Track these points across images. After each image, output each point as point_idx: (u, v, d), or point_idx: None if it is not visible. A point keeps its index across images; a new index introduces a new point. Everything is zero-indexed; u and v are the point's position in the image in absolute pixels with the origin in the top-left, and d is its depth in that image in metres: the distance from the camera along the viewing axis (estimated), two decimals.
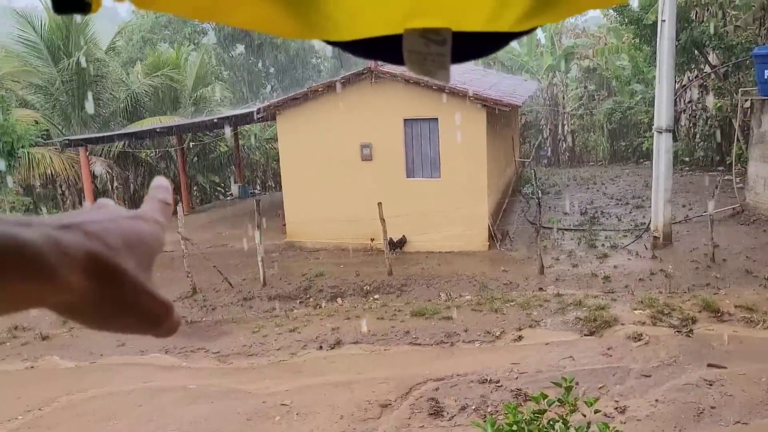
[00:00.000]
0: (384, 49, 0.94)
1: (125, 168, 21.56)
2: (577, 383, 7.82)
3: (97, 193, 19.80)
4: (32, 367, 10.38)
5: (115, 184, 20.61)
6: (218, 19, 0.90)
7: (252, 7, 0.87)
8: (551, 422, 4.52)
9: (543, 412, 4.50)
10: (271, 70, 39.57)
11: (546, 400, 4.50)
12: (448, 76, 0.93)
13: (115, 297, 0.52)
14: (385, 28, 0.91)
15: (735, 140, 15.92)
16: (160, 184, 0.68)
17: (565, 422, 4.52)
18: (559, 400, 4.64)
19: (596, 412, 4.50)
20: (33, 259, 0.47)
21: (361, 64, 15.85)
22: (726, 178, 15.81)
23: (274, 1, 0.85)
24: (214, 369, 9.65)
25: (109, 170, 20.08)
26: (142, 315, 0.54)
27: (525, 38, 28.84)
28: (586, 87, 27.55)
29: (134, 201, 21.73)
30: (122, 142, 20.12)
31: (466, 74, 18.55)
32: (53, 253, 0.48)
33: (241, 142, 23.48)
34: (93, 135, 18.80)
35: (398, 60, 0.92)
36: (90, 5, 0.73)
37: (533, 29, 0.98)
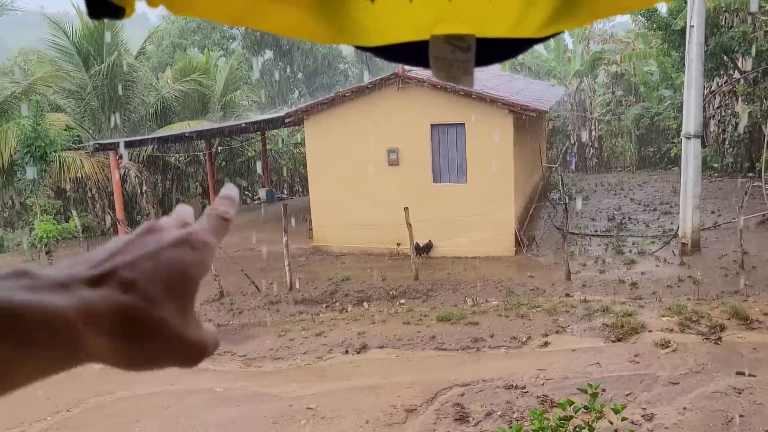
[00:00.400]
0: (411, 54, 1.01)
1: (154, 172, 21.91)
2: (603, 390, 7.78)
3: (126, 197, 20.15)
4: None
5: (144, 187, 20.93)
6: (251, 24, 0.96)
7: (284, 14, 0.94)
8: (577, 429, 4.54)
9: (569, 418, 4.52)
10: (299, 75, 39.94)
11: (572, 406, 4.53)
12: (472, 82, 1.00)
13: (151, 349, 0.50)
14: (413, 34, 0.98)
15: (765, 146, 15.68)
16: (228, 194, 0.63)
17: (591, 429, 4.54)
18: (585, 407, 4.67)
19: (623, 419, 4.51)
20: (60, 332, 0.45)
21: (388, 69, 15.94)
22: (755, 184, 15.59)
23: (305, 8, 0.92)
24: (240, 372, 9.78)
25: (138, 174, 20.41)
26: (178, 359, 0.52)
27: (552, 43, 28.78)
28: (613, 92, 27.33)
29: (163, 205, 22.07)
30: (151, 147, 20.45)
31: (493, 79, 18.54)
32: (84, 320, 0.46)
33: (268, 146, 23.74)
34: (122, 139, 19.13)
35: (425, 64, 0.99)
36: (124, 10, 0.79)
37: (556, 34, 1.04)
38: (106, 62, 20.64)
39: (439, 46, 0.95)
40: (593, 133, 27.67)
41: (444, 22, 0.95)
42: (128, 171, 19.77)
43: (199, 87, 23.78)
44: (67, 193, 20.59)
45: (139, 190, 20.87)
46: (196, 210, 0.60)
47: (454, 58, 0.96)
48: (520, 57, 29.36)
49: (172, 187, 22.78)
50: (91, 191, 20.68)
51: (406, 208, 12.89)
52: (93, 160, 19.46)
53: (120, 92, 21.57)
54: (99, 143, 17.97)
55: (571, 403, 4.54)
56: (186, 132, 19.02)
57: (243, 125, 18.91)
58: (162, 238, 0.53)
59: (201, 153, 21.71)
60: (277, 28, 0.99)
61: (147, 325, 0.48)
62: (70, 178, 19.45)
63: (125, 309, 0.48)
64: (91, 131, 21.98)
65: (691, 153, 12.80)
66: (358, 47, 1.03)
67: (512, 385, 8.24)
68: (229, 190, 0.64)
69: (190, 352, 0.52)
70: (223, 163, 23.82)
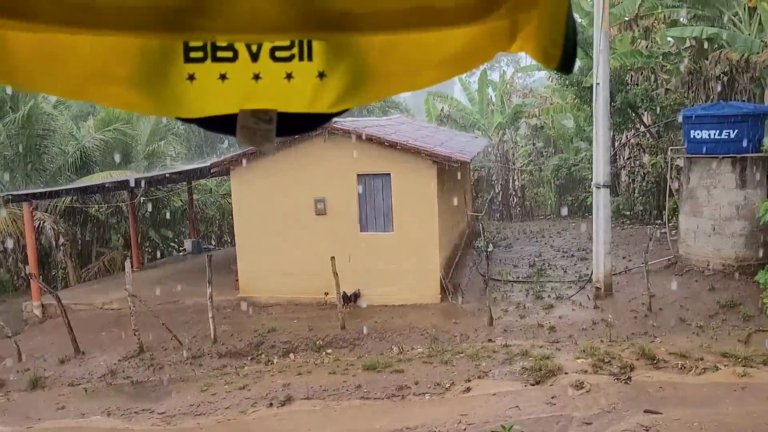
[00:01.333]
0: (224, 124, 1.26)
1: (73, 224, 21.23)
2: None
3: (42, 251, 19.41)
4: None
5: (62, 240, 20.21)
6: (86, 98, 1.19)
7: (112, 90, 1.16)
8: None
9: None
10: None
11: None
12: (273, 149, 1.30)
13: None
14: (225, 108, 1.24)
15: (668, 196, 16.73)
16: None
17: None
18: None
19: None
20: None
21: None
22: (662, 231, 16.56)
23: (131, 85, 1.15)
24: (158, 430, 9.49)
25: (55, 226, 19.72)
26: None
27: (477, 97, 29.97)
28: (534, 144, 28.61)
29: (82, 258, 21.34)
30: (70, 198, 19.88)
31: (418, 131, 19.15)
32: None
33: (196, 196, 23.46)
34: (38, 190, 18.53)
35: (233, 132, 1.25)
36: None
37: (346, 110, 1.32)
38: (22, 110, 20.10)
39: (245, 118, 1.21)
40: (516, 182, 28.76)
41: (251, 99, 1.21)
42: (43, 223, 19.09)
43: (122, 137, 23.39)
44: None
45: (55, 243, 20.14)
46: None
47: (257, 128, 1.22)
48: (445, 110, 30.41)
49: (93, 240, 22.09)
50: (3, 245, 19.82)
51: (332, 257, 13.01)
52: (5, 212, 18.73)
53: (37, 141, 20.98)
54: (12, 194, 17.34)
55: None
56: (106, 182, 18.61)
57: (167, 175, 18.69)
58: None
59: (123, 203, 21.24)
60: (107, 102, 1.20)
61: None
62: None
63: None
64: (4, 182, 21.20)
65: (601, 202, 13.55)
66: (179, 119, 1.26)
67: None
68: None
69: None
70: (147, 214, 23.34)
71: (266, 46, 1.29)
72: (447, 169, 14.57)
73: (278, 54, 1.29)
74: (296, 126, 1.34)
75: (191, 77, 1.24)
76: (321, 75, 1.31)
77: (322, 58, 1.31)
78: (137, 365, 12.13)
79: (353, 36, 1.27)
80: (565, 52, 1.27)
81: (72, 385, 11.66)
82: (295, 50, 1.30)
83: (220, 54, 1.26)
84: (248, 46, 1.28)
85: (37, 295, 15.79)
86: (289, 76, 1.30)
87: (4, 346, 13.37)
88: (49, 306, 15.46)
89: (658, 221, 20.00)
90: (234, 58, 1.27)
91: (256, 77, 1.28)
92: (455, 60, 1.37)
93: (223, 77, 1.26)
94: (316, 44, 1.31)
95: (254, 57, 1.28)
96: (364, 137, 14.07)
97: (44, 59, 1.16)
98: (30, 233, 16.30)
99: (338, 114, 1.35)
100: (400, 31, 1.26)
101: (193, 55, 1.24)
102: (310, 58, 1.31)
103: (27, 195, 16.63)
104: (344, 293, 13.70)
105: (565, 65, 1.30)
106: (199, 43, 1.25)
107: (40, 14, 1.07)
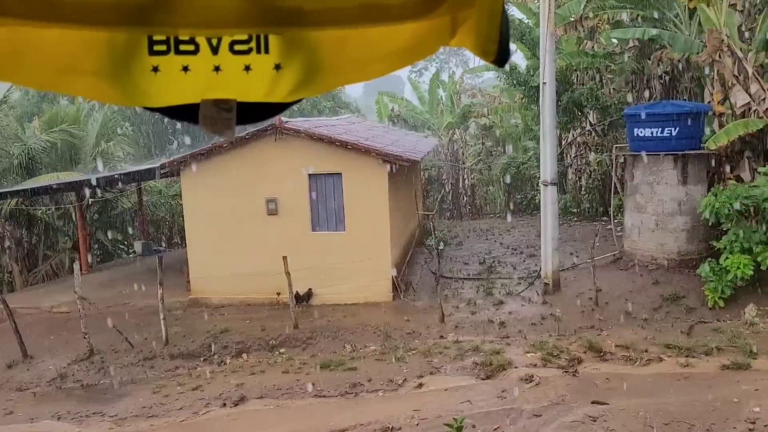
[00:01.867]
0: (186, 113, 1.38)
1: (19, 226, 20.64)
2: (474, 426, 8.23)
3: None
4: None
5: (7, 243, 19.65)
6: (58, 89, 1.29)
7: (81, 80, 1.26)
8: None
9: None
10: (177, 125, 39.17)
11: None
12: (233, 135, 1.42)
13: None
14: (188, 98, 1.36)
15: (613, 193, 17.25)
16: None
17: None
18: None
19: None
20: None
21: (266, 120, 16.15)
22: (608, 227, 17.06)
23: (98, 77, 1.25)
24: None
25: (0, 228, 19.17)
26: None
27: (427, 97, 30.27)
28: (483, 143, 29.05)
29: (28, 261, 20.77)
30: (14, 200, 19.32)
31: (369, 131, 19.26)
32: None
33: (145, 198, 23.06)
34: None
35: (196, 121, 1.37)
36: None
37: (301, 99, 1.46)
38: None
39: (207, 107, 1.33)
40: (466, 181, 29.17)
41: (212, 89, 1.34)
42: None
43: (69, 137, 22.85)
44: None
45: (0, 246, 19.57)
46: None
47: (219, 116, 1.34)
48: (396, 110, 30.62)
49: (40, 242, 21.52)
50: None
51: (284, 257, 13.01)
52: None
53: None
54: None
55: None
56: (53, 184, 18.16)
57: (116, 176, 18.34)
58: None
59: (71, 205, 20.75)
60: (77, 92, 1.29)
61: None
62: None
63: None
64: None
65: (548, 199, 13.90)
66: (145, 107, 1.36)
67: (389, 428, 8.46)
68: None
69: None
70: (96, 215, 22.83)
71: (226, 40, 1.38)
72: (398, 169, 14.72)
73: (237, 47, 1.39)
74: (255, 114, 1.48)
75: (155, 69, 1.33)
76: (277, 67, 1.40)
77: (278, 51, 1.41)
78: (87, 368, 11.91)
79: (306, 31, 1.37)
80: (500, 47, 1.40)
81: (20, 390, 11.38)
82: (253, 44, 1.40)
83: (182, 47, 1.35)
84: (209, 40, 1.37)
85: None
86: (247, 68, 1.39)
87: None
88: None
89: (605, 218, 20.60)
90: (195, 51, 1.36)
91: (217, 69, 1.38)
92: (402, 53, 1.47)
93: (185, 69, 1.35)
94: (272, 38, 1.40)
95: (215, 50, 1.38)
96: (315, 137, 14.10)
97: (14, 51, 1.22)
98: None
99: (294, 103, 1.48)
100: (350, 26, 1.36)
101: (157, 48, 1.33)
102: (266, 51, 1.40)
103: None
104: (296, 293, 13.72)
105: (500, 59, 1.42)
106: (163, 37, 1.33)
107: (7, 8, 1.14)
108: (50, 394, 11.17)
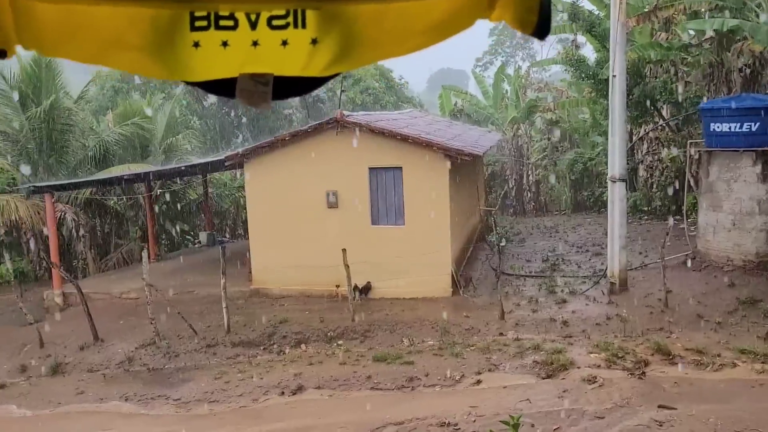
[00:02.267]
0: (225, 87, 1.40)
1: (93, 216, 21.47)
2: (532, 425, 8.01)
3: (63, 242, 19.65)
4: None
5: (82, 231, 20.46)
6: (102, 62, 1.32)
7: (125, 55, 1.28)
8: None
9: None
10: (243, 119, 40.03)
11: None
12: (269, 107, 1.41)
13: None
14: (227, 72, 1.37)
15: (687, 190, 16.54)
16: None
17: None
18: None
19: None
20: None
21: (329, 114, 16.22)
22: (681, 226, 16.37)
23: (142, 52, 1.27)
24: (173, 416, 9.60)
25: (75, 218, 19.97)
26: None
27: (491, 92, 29.87)
28: (549, 139, 28.38)
29: (101, 249, 21.59)
30: (89, 190, 20.10)
31: (430, 125, 19.12)
32: None
33: (211, 190, 23.63)
34: (59, 182, 18.77)
35: (233, 95, 1.37)
36: (6, 52, 1.10)
37: (337, 74, 1.46)
38: (44, 105, 20.34)
39: (245, 81, 1.32)
40: (531, 177, 28.59)
41: (250, 64, 1.33)
42: (64, 215, 19.34)
43: (140, 131, 23.62)
44: (1, 238, 19.96)
45: (75, 234, 20.39)
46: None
47: (255, 89, 1.32)
48: (459, 104, 30.33)
49: (111, 231, 22.33)
50: (26, 236, 20.10)
51: (343, 250, 13.03)
52: (28, 204, 18.99)
53: (58, 135, 21.24)
54: (34, 186, 17.58)
55: None
56: (124, 175, 18.80)
57: (183, 168, 18.81)
58: None
59: (141, 196, 21.44)
60: (122, 66, 1.30)
61: None
62: (3, 222, 18.89)
63: None
64: (26, 174, 21.47)
65: (616, 196, 13.42)
66: (185, 82, 1.37)
67: (445, 423, 8.35)
68: None
69: None
70: (164, 207, 23.54)
71: (264, 15, 1.41)
72: (459, 163, 14.51)
73: (275, 22, 1.42)
74: (291, 89, 1.52)
75: (196, 44, 1.37)
76: (314, 41, 1.42)
77: (315, 25, 1.42)
78: (153, 353, 12.26)
79: (343, 5, 1.39)
80: (540, 18, 1.36)
81: (91, 371, 11.85)
82: (290, 19, 1.42)
83: (222, 23, 1.39)
84: (248, 15, 1.40)
85: (59, 283, 16.09)
86: (284, 43, 1.42)
87: (27, 333, 13.63)
88: (69, 295, 15.73)
89: (677, 216, 19.80)
90: (235, 27, 1.40)
91: (255, 44, 1.41)
92: (439, 26, 1.45)
93: (225, 44, 1.39)
94: (309, 13, 1.41)
95: (253, 25, 1.41)
96: (376, 130, 14.06)
97: (67, 28, 1.29)
98: (52, 224, 16.56)
99: (330, 78, 1.49)
100: (387, 1, 1.37)
101: (198, 24, 1.38)
102: (303, 25, 1.42)
103: (49, 187, 16.89)
104: (355, 285, 13.73)
105: (540, 30, 1.38)
106: (204, 13, 1.37)
107: None
108: (118, 376, 11.57)
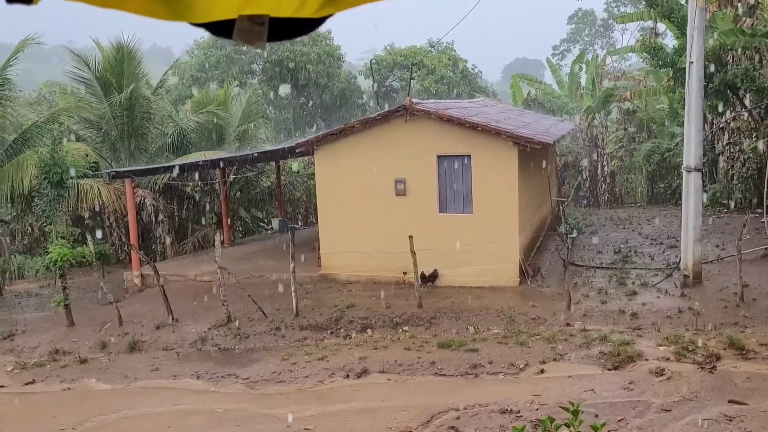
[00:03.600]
0: (224, 28, 1.49)
1: (170, 201, 22.38)
2: (596, 415, 7.92)
3: (143, 225, 20.59)
4: (69, 388, 10.87)
5: (161, 216, 21.38)
6: (111, 5, 1.41)
7: None
8: None
9: None
10: (318, 110, 40.71)
11: (553, 423, 4.72)
12: (264, 46, 1.49)
13: None
14: (228, 13, 1.46)
15: None
16: None
17: None
18: (565, 424, 4.84)
19: None
20: None
21: (400, 103, 16.31)
22: (762, 220, 15.64)
23: None
24: (242, 394, 9.99)
25: (154, 202, 20.89)
26: None
27: (566, 81, 29.21)
28: (626, 129, 27.57)
29: (178, 234, 22.49)
30: (167, 176, 20.98)
31: (501, 113, 18.92)
32: None
33: (284, 178, 24.19)
34: (139, 167, 19.63)
35: (230, 35, 1.46)
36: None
37: (331, 15, 1.47)
38: (125, 93, 21.27)
39: (243, 22, 1.42)
40: (605, 168, 27.85)
41: (248, 5, 1.42)
42: (144, 199, 20.25)
43: (216, 119, 24.40)
44: (85, 221, 21.08)
45: (154, 219, 21.33)
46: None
47: (251, 29, 1.42)
48: (532, 93, 29.83)
49: (188, 217, 23.22)
50: (109, 219, 21.16)
51: (410, 237, 13.13)
52: (110, 188, 19.93)
53: (138, 122, 22.19)
54: (116, 171, 18.45)
55: (552, 420, 4.72)
56: (200, 161, 19.49)
57: (255, 155, 19.34)
58: None
59: (216, 182, 22.20)
60: (128, 8, 1.40)
61: None
62: (87, 206, 19.94)
63: None
64: (109, 160, 22.58)
65: (692, 186, 12.95)
66: (190, 23, 1.47)
67: (507, 410, 8.36)
68: None
69: None
70: (238, 193, 24.28)
71: None
72: (529, 152, 14.32)
73: None
74: (286, 31, 1.52)
75: None
76: None
77: None
78: (225, 334, 12.75)
79: None
80: None
81: (166, 350, 12.44)
82: None
83: None
84: None
85: (137, 265, 16.87)
86: None
87: (107, 311, 14.41)
88: (147, 276, 16.48)
89: (758, 210, 18.91)
90: None
91: None
92: None
93: None
94: None
95: None
96: (444, 118, 14.06)
97: None
98: (132, 208, 17.34)
99: (324, 19, 1.52)
100: None
101: None
102: None
103: (129, 172, 17.69)
104: (422, 273, 13.82)
105: None
106: None
107: None
108: (191, 354, 12.10)
